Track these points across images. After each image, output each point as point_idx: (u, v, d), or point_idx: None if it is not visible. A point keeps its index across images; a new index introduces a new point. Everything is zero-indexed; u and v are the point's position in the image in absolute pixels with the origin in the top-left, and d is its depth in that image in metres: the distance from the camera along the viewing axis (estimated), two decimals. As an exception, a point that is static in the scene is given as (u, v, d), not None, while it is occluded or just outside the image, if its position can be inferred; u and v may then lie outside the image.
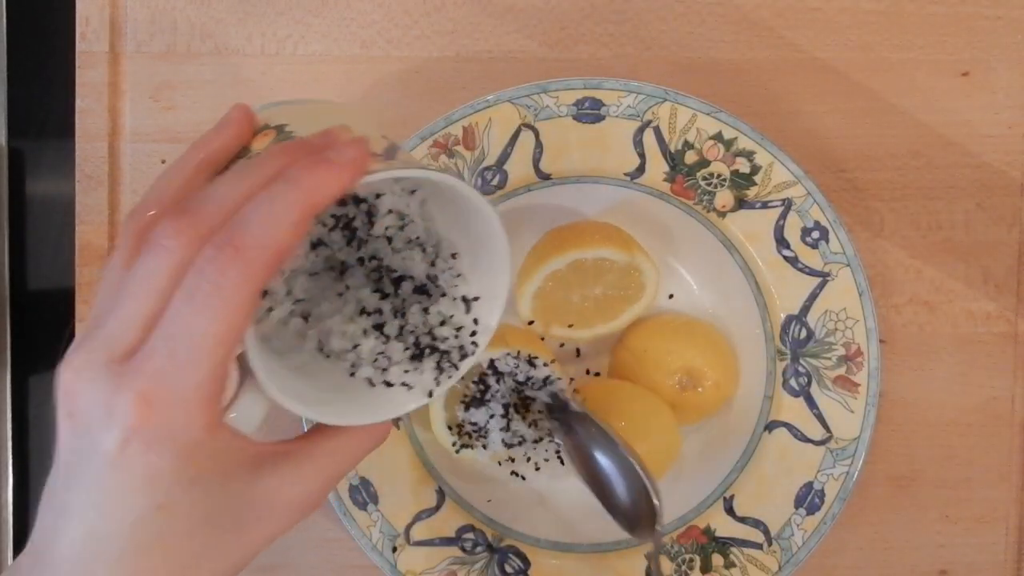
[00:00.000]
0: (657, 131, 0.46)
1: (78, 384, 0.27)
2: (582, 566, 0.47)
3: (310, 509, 0.30)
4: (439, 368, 0.33)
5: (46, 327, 0.52)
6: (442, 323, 0.34)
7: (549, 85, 0.46)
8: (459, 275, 0.34)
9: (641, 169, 0.46)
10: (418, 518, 0.47)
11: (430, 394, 0.33)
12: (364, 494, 0.46)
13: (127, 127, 0.50)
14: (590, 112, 0.46)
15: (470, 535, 0.47)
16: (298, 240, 0.27)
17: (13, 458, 0.52)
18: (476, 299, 0.34)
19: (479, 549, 0.47)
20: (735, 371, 0.47)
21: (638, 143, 0.46)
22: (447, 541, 0.47)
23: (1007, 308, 0.50)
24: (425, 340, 0.33)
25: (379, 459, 0.46)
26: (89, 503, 0.27)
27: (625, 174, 0.47)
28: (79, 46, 0.50)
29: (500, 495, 0.48)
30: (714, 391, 0.46)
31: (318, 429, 0.32)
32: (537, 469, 0.47)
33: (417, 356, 0.33)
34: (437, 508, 0.47)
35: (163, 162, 0.50)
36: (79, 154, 0.50)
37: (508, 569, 0.47)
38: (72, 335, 0.50)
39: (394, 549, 0.46)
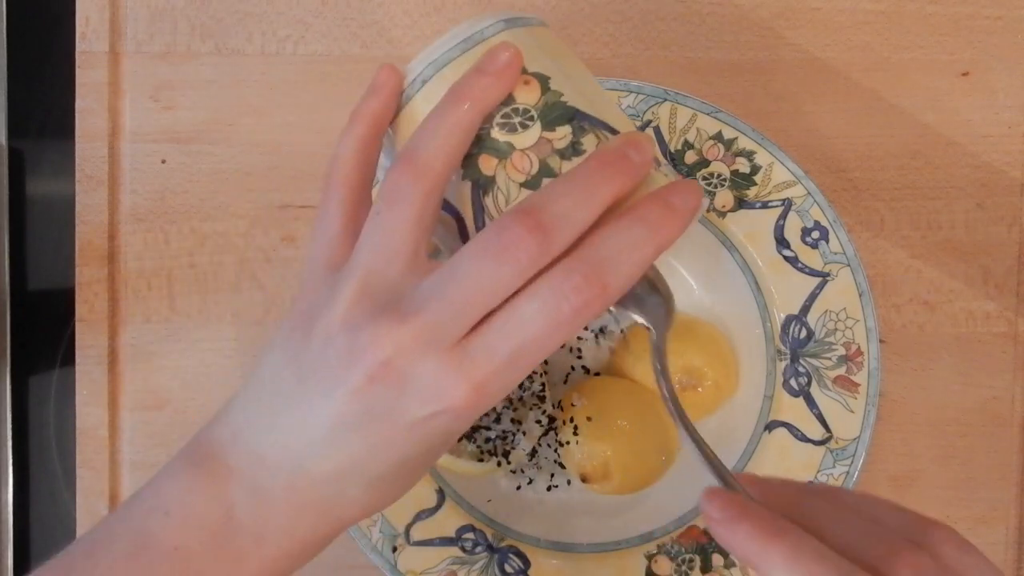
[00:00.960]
0: (657, 131, 0.46)
1: (409, 357, 0.28)
2: (582, 566, 0.47)
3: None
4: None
5: (46, 327, 0.52)
6: None
7: (549, 85, 0.46)
8: None
9: (641, 169, 0.46)
10: (418, 518, 0.47)
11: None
12: (364, 494, 0.46)
13: (127, 127, 0.50)
14: (590, 112, 0.46)
15: (470, 535, 0.47)
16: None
17: (13, 458, 0.52)
18: None
19: (479, 549, 0.47)
20: (735, 371, 0.47)
21: (638, 143, 0.46)
22: (447, 541, 0.47)
23: (1007, 308, 0.50)
24: None
25: (379, 459, 0.46)
26: (367, 446, 0.30)
27: (625, 174, 0.47)
28: (79, 46, 0.50)
29: (500, 495, 0.48)
30: (714, 391, 0.46)
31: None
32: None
33: None
34: (437, 508, 0.47)
35: (163, 162, 0.50)
36: (79, 154, 0.50)
37: (508, 569, 0.47)
38: (72, 335, 0.50)
39: (394, 549, 0.46)
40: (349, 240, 0.32)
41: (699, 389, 0.46)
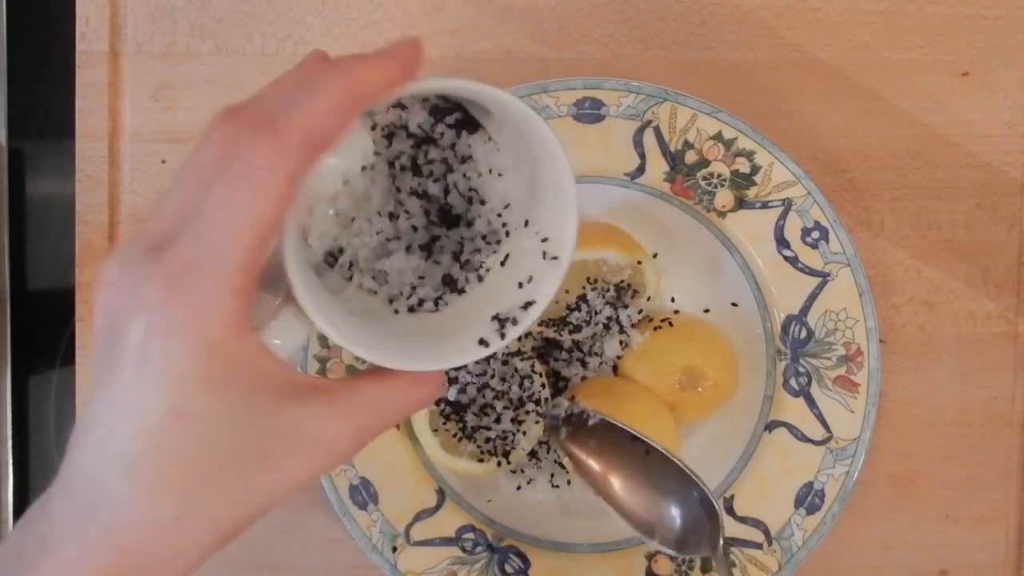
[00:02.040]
0: (657, 131, 0.46)
1: (111, 273, 0.25)
2: (582, 566, 0.47)
3: (338, 456, 0.28)
4: (499, 321, 0.31)
5: (46, 327, 0.52)
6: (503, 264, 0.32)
7: (549, 85, 0.46)
8: (526, 221, 0.32)
9: (641, 169, 0.46)
10: (418, 518, 0.47)
11: (487, 344, 0.30)
12: (364, 494, 0.46)
13: (127, 127, 0.50)
14: (590, 112, 0.46)
15: (470, 535, 0.47)
16: (339, 130, 0.26)
17: (13, 458, 0.52)
18: (545, 240, 0.31)
19: (479, 549, 0.47)
20: (735, 371, 0.47)
21: (638, 143, 0.46)
22: (447, 541, 0.47)
23: (1007, 308, 0.50)
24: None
25: (379, 459, 0.46)
26: (109, 404, 0.25)
27: (625, 174, 0.47)
28: (79, 46, 0.50)
29: (500, 495, 0.48)
30: (714, 391, 0.46)
31: (364, 374, 0.29)
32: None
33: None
34: (437, 508, 0.47)
35: (163, 162, 0.50)
36: (79, 154, 0.50)
37: (508, 569, 0.47)
38: (72, 335, 0.50)
39: (394, 549, 0.46)
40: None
41: (699, 389, 0.46)
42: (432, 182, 0.32)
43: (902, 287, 0.50)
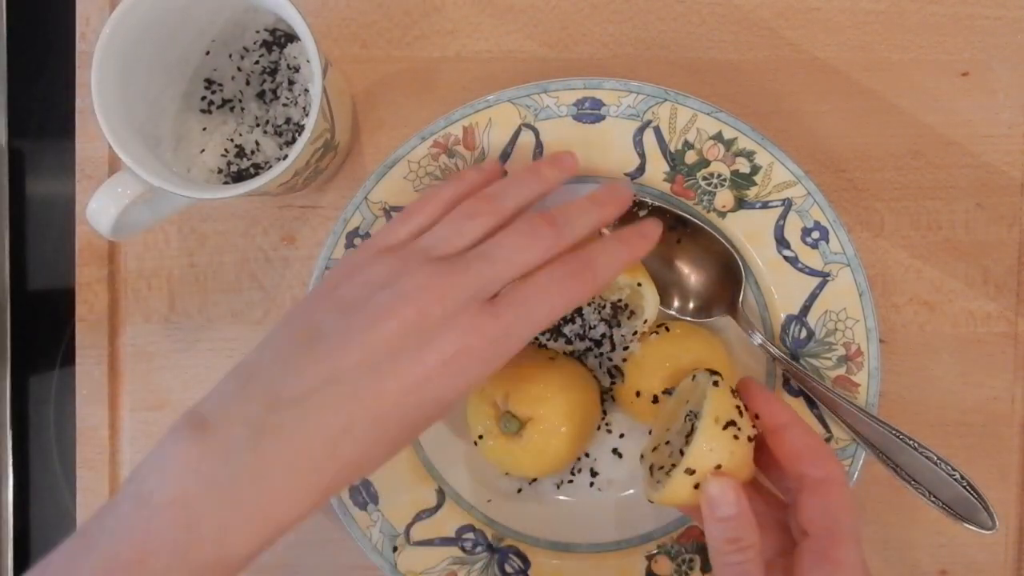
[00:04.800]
0: (657, 131, 0.46)
1: (454, 301, 0.35)
2: (582, 566, 0.47)
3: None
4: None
5: (46, 327, 0.52)
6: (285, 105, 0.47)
7: (549, 85, 0.46)
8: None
9: (641, 169, 0.47)
10: (418, 518, 0.47)
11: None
12: (364, 494, 0.46)
13: (127, 127, 0.50)
14: (590, 112, 0.46)
15: (470, 535, 0.47)
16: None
17: (13, 458, 0.52)
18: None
19: (479, 549, 0.47)
20: (730, 374, 0.47)
21: (638, 143, 0.46)
22: (447, 541, 0.47)
23: (1007, 308, 0.50)
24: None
25: (379, 459, 0.46)
26: (398, 382, 0.35)
27: (625, 174, 0.47)
28: (79, 46, 0.50)
29: (500, 495, 0.48)
30: None
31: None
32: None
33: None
34: (437, 508, 0.47)
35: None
36: (79, 154, 0.50)
37: (508, 569, 0.47)
38: (72, 335, 0.50)
39: (394, 549, 0.46)
40: (412, 239, 0.38)
41: None
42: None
43: (902, 287, 0.50)
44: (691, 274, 0.47)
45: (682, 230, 0.47)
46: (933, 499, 0.43)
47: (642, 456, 0.43)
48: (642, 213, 0.46)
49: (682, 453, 0.39)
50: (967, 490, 0.43)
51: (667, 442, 0.41)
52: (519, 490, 0.48)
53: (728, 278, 0.47)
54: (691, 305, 0.47)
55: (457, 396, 0.35)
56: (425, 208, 0.39)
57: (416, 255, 0.36)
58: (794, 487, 0.39)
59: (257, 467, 0.32)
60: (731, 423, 0.38)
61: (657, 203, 0.46)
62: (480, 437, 0.45)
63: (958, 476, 0.43)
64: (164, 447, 0.33)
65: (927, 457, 0.43)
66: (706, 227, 0.46)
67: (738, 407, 0.40)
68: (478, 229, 0.37)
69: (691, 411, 0.40)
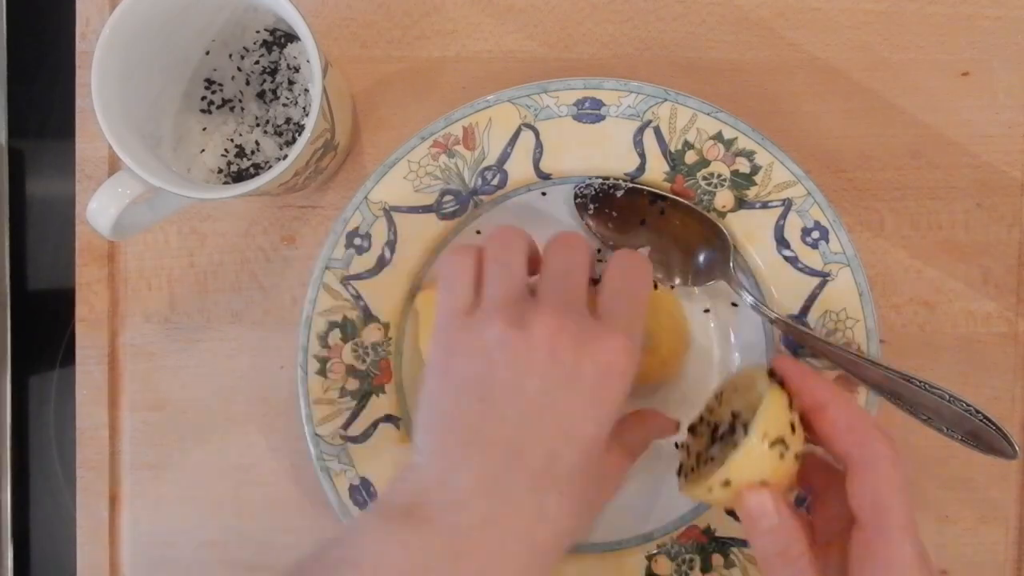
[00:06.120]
0: (657, 131, 0.46)
1: (567, 327, 0.35)
2: (582, 566, 0.47)
3: (624, 479, 0.39)
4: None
5: (46, 327, 0.52)
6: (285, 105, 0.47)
7: (549, 85, 0.46)
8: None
9: (641, 169, 0.47)
10: (418, 518, 0.47)
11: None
12: (364, 494, 0.46)
13: (127, 127, 0.50)
14: (590, 112, 0.46)
15: (470, 535, 0.47)
16: None
17: (13, 458, 0.52)
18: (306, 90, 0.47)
19: (479, 549, 0.47)
20: (685, 334, 0.48)
21: (638, 143, 0.46)
22: (447, 541, 0.47)
23: (1007, 308, 0.50)
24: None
25: (379, 459, 0.46)
26: (562, 433, 0.35)
27: (625, 174, 0.47)
28: (79, 46, 0.50)
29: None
30: (669, 353, 0.47)
31: (624, 419, 0.40)
32: None
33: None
34: (437, 508, 0.47)
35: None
36: (79, 154, 0.50)
37: (508, 569, 0.47)
38: (72, 335, 0.50)
39: (394, 549, 0.46)
40: (476, 297, 0.38)
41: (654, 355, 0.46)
42: None
43: (902, 287, 0.50)
44: (679, 243, 0.47)
45: (662, 203, 0.47)
46: (951, 433, 0.43)
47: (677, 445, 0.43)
48: (619, 194, 0.46)
49: (714, 457, 0.38)
50: (983, 423, 0.42)
51: (711, 435, 0.40)
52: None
53: (715, 244, 0.47)
54: (686, 271, 0.47)
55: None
56: (461, 272, 0.38)
57: (501, 306, 0.36)
58: (843, 469, 0.36)
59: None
60: (779, 440, 0.35)
61: (633, 185, 0.46)
62: None
63: (973, 410, 0.42)
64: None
65: (939, 396, 0.43)
66: (684, 201, 0.46)
67: (791, 422, 0.36)
68: (519, 266, 0.38)
69: (737, 412, 0.38)
